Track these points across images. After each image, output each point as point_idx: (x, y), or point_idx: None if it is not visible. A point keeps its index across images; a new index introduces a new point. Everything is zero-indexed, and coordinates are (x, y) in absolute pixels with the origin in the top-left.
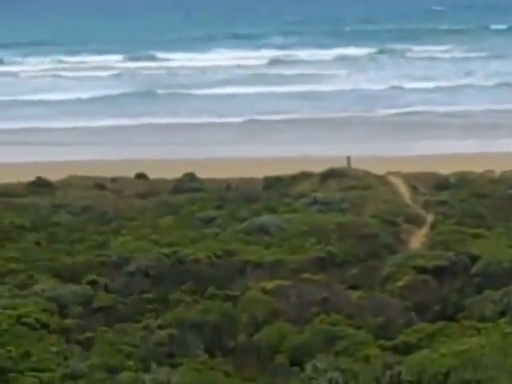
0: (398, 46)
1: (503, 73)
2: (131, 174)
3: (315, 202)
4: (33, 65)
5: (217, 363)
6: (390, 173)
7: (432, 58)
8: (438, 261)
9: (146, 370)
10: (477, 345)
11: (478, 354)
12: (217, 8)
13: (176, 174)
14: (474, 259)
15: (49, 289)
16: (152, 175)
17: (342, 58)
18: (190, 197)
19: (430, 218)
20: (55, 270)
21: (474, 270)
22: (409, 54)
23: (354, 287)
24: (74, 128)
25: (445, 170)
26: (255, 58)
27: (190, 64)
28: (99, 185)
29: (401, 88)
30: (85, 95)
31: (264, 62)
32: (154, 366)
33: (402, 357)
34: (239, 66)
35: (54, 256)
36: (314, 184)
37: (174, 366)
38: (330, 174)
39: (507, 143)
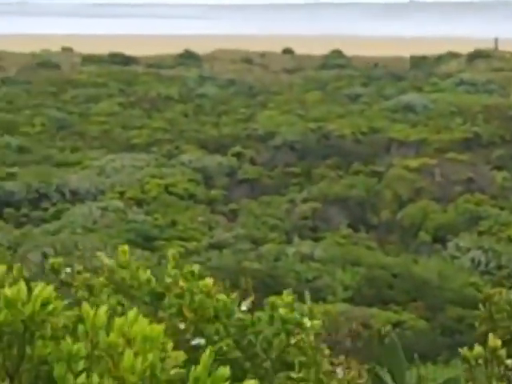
0: None
1: None
2: (278, 49)
3: (462, 82)
4: None
5: (360, 238)
6: None
7: None
8: None
9: (289, 242)
10: None
11: None
12: None
13: (323, 50)
14: None
15: (195, 159)
16: (299, 51)
17: None
18: (337, 73)
19: None
20: (202, 141)
21: None
22: None
23: (499, 168)
24: (222, 4)
25: None
26: None
27: None
28: (246, 59)
29: None
30: None
31: None
32: (297, 239)
33: None
34: None
35: (201, 127)
36: (461, 64)
37: (316, 239)
38: (477, 55)
39: None
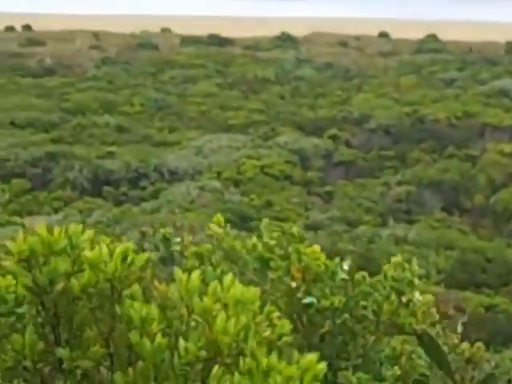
0: None
1: None
2: (374, 32)
3: None
4: None
5: (453, 222)
6: None
7: None
8: None
9: (384, 225)
10: None
11: None
12: None
13: (418, 34)
14: None
15: (292, 141)
16: (394, 35)
17: None
18: (432, 57)
19: None
20: (298, 123)
21: None
22: None
23: None
24: None
25: None
26: None
27: None
28: (342, 42)
29: None
30: None
31: None
32: (391, 221)
33: None
34: None
35: (297, 110)
36: None
37: (410, 222)
38: None
39: None
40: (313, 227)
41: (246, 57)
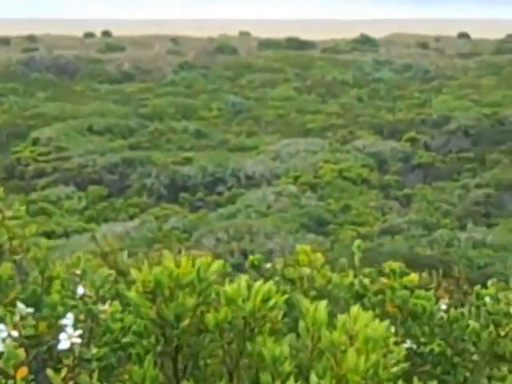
0: None
1: None
2: (454, 33)
3: None
4: None
5: None
6: None
7: None
8: None
9: (462, 228)
10: None
11: None
12: None
13: (498, 34)
14: None
15: (369, 144)
16: (474, 35)
17: None
18: None
19: None
20: (376, 126)
21: None
22: None
23: None
24: None
25: None
26: None
27: None
28: (422, 43)
29: None
30: None
31: None
32: (470, 224)
33: None
34: None
35: (376, 112)
36: None
37: (489, 225)
38: None
39: None
40: (390, 231)
41: (324, 60)
